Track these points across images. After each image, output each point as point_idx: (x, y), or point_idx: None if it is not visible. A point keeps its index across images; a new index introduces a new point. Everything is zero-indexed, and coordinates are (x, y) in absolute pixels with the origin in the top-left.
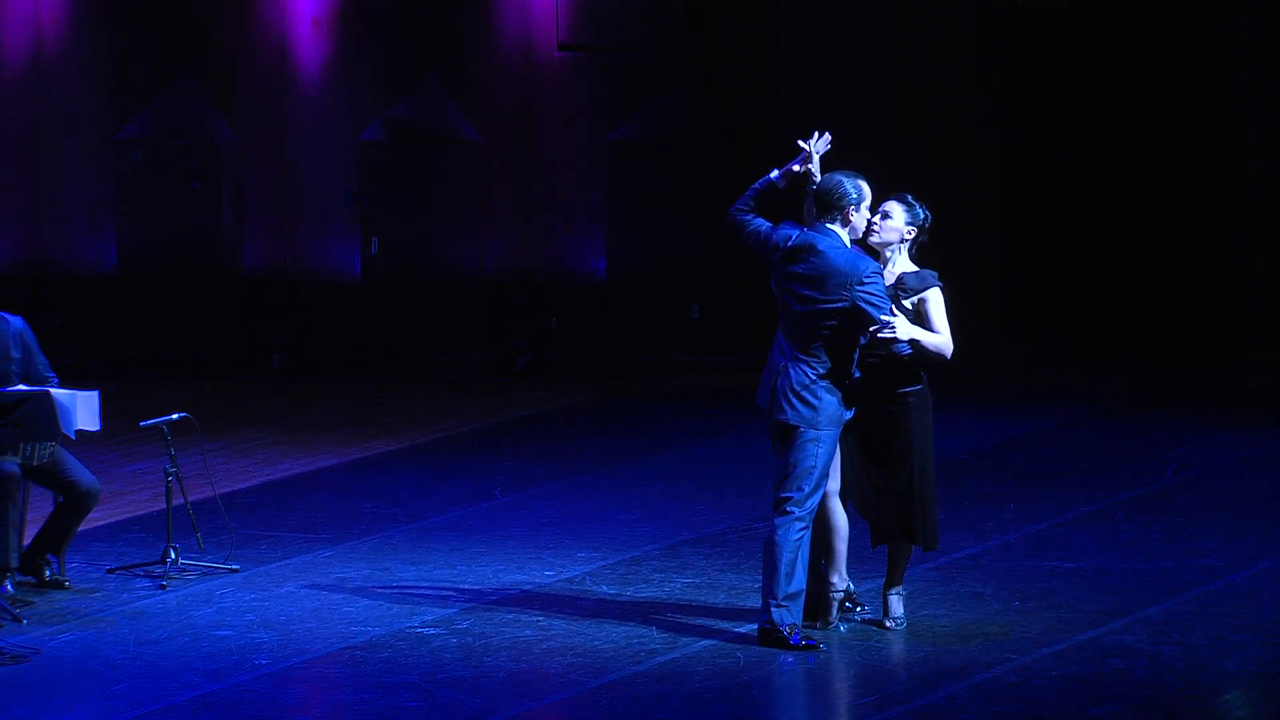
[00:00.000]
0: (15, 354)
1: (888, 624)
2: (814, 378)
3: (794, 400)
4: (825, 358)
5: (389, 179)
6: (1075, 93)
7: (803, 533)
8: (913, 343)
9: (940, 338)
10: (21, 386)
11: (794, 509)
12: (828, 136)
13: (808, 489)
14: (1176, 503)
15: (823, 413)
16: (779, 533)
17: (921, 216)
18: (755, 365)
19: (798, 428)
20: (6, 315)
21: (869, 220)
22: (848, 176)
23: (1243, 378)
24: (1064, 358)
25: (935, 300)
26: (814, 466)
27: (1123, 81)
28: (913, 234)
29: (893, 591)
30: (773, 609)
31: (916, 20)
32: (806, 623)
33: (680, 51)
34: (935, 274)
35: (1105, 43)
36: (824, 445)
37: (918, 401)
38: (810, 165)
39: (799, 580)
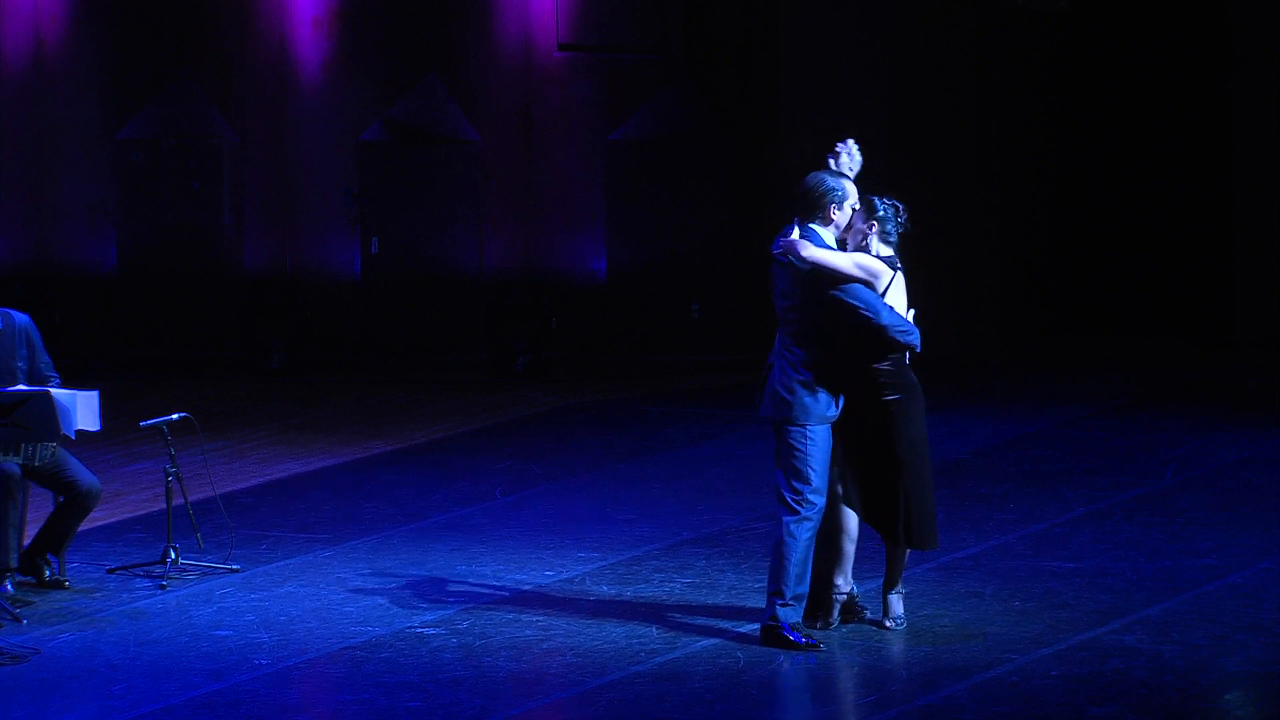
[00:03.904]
0: (22, 350)
1: (888, 624)
2: (793, 374)
3: (774, 396)
4: (805, 355)
5: (389, 179)
6: (1075, 93)
7: (812, 531)
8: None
9: (844, 259)
10: (22, 386)
11: (799, 507)
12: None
13: (801, 486)
14: (1176, 503)
15: (798, 407)
16: (786, 530)
17: (880, 209)
18: (754, 365)
19: (781, 423)
20: (12, 311)
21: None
22: (830, 175)
23: (1243, 376)
24: (1064, 358)
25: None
26: (804, 464)
27: (1123, 81)
28: (874, 227)
29: (892, 591)
30: (778, 607)
31: (916, 20)
32: (806, 622)
33: (680, 51)
34: (893, 258)
35: (1105, 42)
36: (813, 443)
37: (901, 408)
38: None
39: (808, 580)
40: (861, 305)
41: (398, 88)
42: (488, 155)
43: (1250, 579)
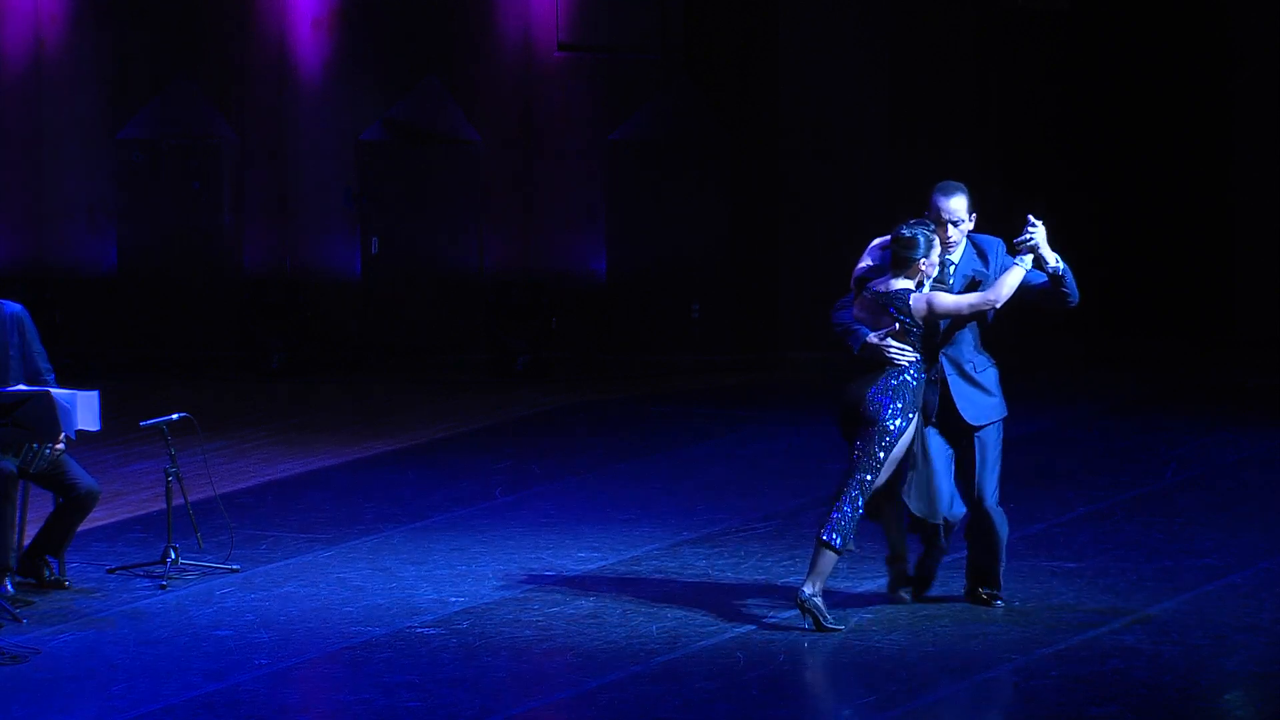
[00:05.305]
0: (14, 339)
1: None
2: None
3: None
4: None
5: (389, 179)
6: (1075, 93)
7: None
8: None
9: None
10: (21, 386)
11: None
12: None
13: None
14: (1176, 503)
15: None
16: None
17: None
18: (753, 365)
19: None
20: (3, 301)
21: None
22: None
23: (1243, 376)
24: (1064, 358)
25: None
26: None
27: (1123, 81)
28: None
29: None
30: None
31: (916, 20)
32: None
33: (680, 51)
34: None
35: (1105, 42)
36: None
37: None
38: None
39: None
40: None
41: (398, 88)
42: (488, 155)
43: (1250, 579)
